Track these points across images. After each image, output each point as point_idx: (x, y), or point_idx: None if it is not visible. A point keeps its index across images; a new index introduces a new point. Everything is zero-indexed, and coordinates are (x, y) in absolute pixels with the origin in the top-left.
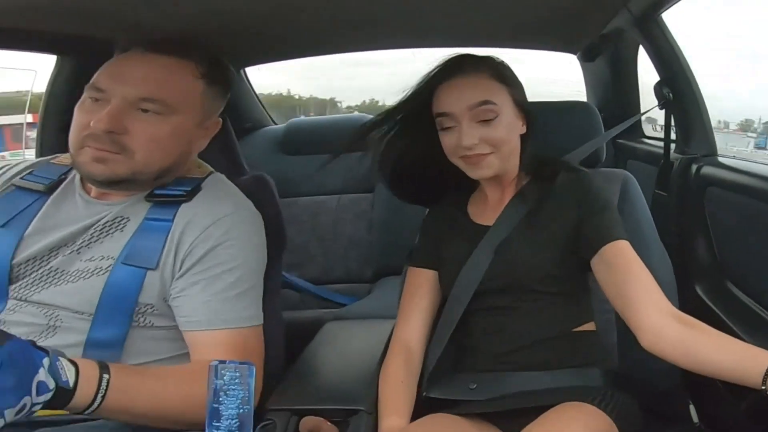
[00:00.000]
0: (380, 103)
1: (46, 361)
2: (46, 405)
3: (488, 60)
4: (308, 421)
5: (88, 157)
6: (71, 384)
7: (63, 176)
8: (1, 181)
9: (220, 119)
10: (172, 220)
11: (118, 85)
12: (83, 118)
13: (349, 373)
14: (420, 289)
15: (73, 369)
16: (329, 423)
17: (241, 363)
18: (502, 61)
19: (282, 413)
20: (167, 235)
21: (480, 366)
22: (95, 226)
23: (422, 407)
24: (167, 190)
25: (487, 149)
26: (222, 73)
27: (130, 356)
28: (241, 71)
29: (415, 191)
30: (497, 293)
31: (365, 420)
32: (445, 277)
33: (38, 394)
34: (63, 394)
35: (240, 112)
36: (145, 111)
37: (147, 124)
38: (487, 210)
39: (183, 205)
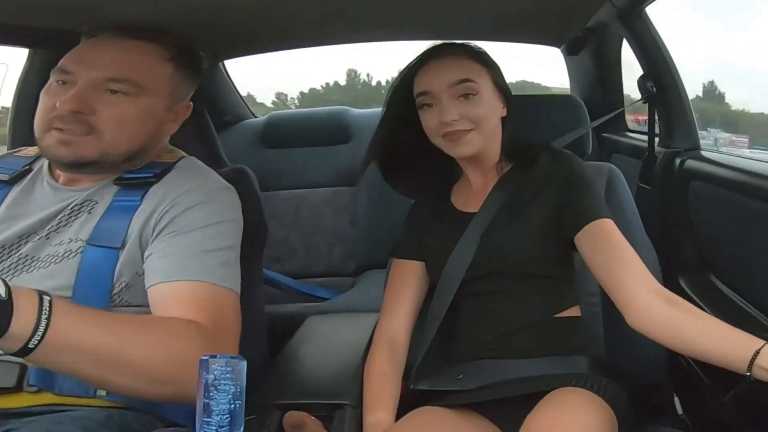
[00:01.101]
0: None
1: None
2: None
3: (467, 45)
4: (291, 415)
5: (53, 140)
6: (3, 294)
7: (28, 166)
8: None
9: (190, 104)
10: (140, 200)
11: (85, 67)
12: (49, 101)
13: (333, 367)
14: (405, 280)
15: (1, 283)
16: (313, 418)
17: (232, 357)
18: (481, 48)
19: (265, 408)
20: (133, 214)
21: (467, 354)
22: (63, 212)
23: (409, 399)
24: (136, 173)
25: (468, 125)
26: (191, 58)
27: None
28: (220, 64)
29: (406, 180)
30: (482, 279)
31: (349, 414)
32: (432, 266)
33: None
34: None
35: (219, 105)
36: (114, 92)
37: (115, 104)
38: (471, 197)
39: (153, 187)
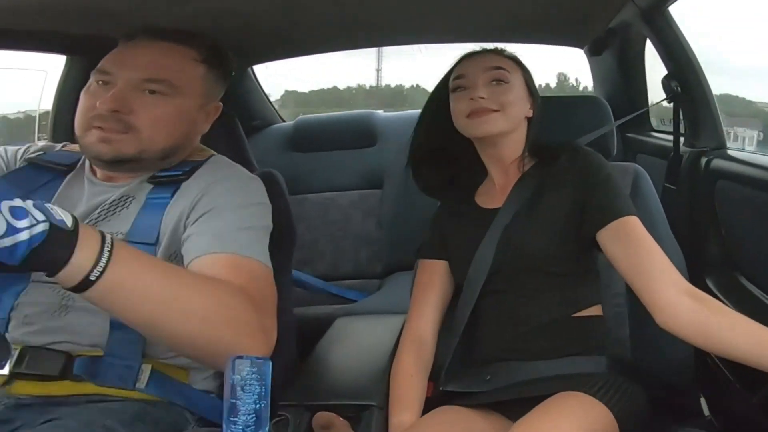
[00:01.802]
0: None
1: (29, 202)
2: (45, 252)
3: (502, 48)
4: (321, 416)
5: (94, 138)
6: (70, 224)
7: (75, 162)
8: (17, 158)
9: (220, 104)
10: (171, 196)
11: (123, 68)
12: (89, 100)
13: (361, 369)
14: (431, 281)
15: (69, 215)
16: (341, 419)
17: (257, 358)
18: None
19: (294, 409)
20: (164, 211)
21: (488, 354)
22: (102, 206)
23: (436, 399)
24: (168, 172)
25: (495, 105)
26: (221, 59)
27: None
28: (249, 69)
29: (431, 180)
30: (501, 276)
31: (376, 415)
32: (456, 265)
33: (16, 216)
34: (61, 237)
35: (248, 110)
36: (152, 92)
37: (152, 104)
38: (495, 195)
39: (183, 183)
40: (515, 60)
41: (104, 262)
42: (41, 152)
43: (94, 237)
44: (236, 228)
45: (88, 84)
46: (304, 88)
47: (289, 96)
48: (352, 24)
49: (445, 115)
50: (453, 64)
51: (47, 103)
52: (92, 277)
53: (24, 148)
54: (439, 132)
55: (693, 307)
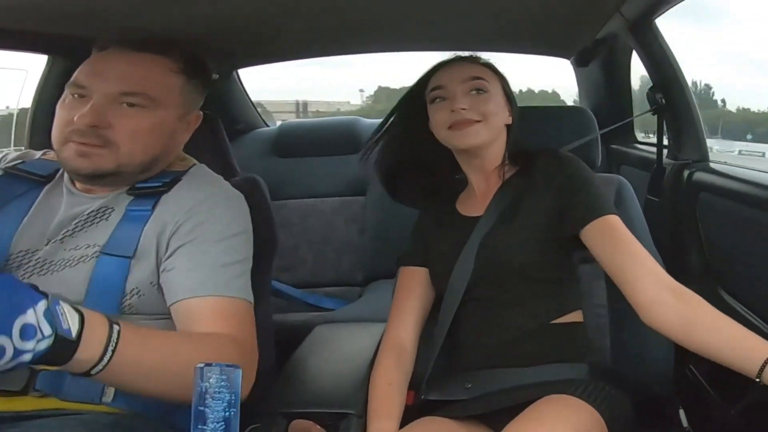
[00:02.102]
0: None
1: (41, 304)
2: (45, 358)
3: (479, 56)
4: (297, 424)
5: (72, 152)
6: (74, 333)
7: (54, 171)
8: None
9: (201, 113)
10: (152, 210)
11: (99, 81)
12: (66, 114)
13: (339, 377)
14: (412, 288)
15: (77, 317)
16: (318, 426)
17: (227, 366)
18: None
19: (271, 416)
20: (145, 224)
21: (470, 362)
22: (80, 217)
23: (416, 408)
24: (148, 183)
25: (477, 116)
26: (200, 68)
27: None
28: (234, 73)
29: (409, 191)
30: (481, 284)
31: (355, 423)
32: (438, 273)
33: (24, 338)
34: (64, 346)
35: (232, 113)
36: (131, 105)
37: (130, 117)
38: (476, 203)
39: (163, 196)
40: (491, 68)
41: (106, 359)
42: (19, 161)
43: (101, 333)
44: (219, 264)
45: (63, 97)
46: (397, 84)
47: (382, 92)
48: (339, 30)
49: (419, 124)
50: (427, 72)
51: (27, 104)
52: (93, 372)
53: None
54: (414, 142)
55: (675, 305)
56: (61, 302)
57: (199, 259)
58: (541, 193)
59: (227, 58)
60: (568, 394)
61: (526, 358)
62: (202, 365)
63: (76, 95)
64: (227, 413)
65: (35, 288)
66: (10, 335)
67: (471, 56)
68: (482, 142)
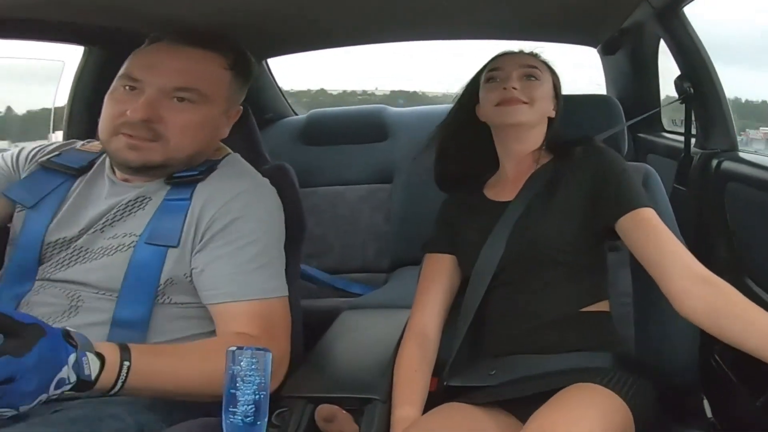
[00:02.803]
0: None
1: (72, 357)
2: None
3: (538, 53)
4: (323, 409)
5: (122, 144)
6: (93, 377)
7: (93, 161)
8: (27, 160)
9: (242, 107)
10: (190, 199)
11: (153, 75)
12: (117, 106)
13: (365, 362)
14: (437, 275)
15: (98, 363)
16: (344, 411)
17: (257, 349)
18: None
19: (298, 401)
20: (186, 213)
21: (496, 348)
22: (118, 206)
23: (440, 394)
24: (184, 172)
25: (525, 98)
26: (247, 65)
27: (154, 335)
28: (263, 62)
29: (450, 173)
30: (511, 268)
31: (379, 409)
32: (464, 258)
33: (56, 388)
34: (83, 386)
35: (262, 103)
36: (181, 100)
37: (181, 112)
38: (505, 188)
39: (199, 184)
40: (547, 64)
41: (118, 388)
42: (55, 153)
43: (113, 369)
44: (256, 266)
45: (112, 88)
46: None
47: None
48: (368, 18)
49: (469, 108)
50: (488, 61)
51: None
52: (111, 393)
53: (37, 149)
54: (461, 123)
55: (706, 295)
56: (86, 352)
57: (235, 262)
58: (576, 181)
59: (257, 47)
60: (595, 383)
61: (553, 345)
62: (234, 348)
63: (127, 87)
64: (257, 396)
65: (66, 334)
66: (48, 392)
67: (531, 51)
68: (526, 121)
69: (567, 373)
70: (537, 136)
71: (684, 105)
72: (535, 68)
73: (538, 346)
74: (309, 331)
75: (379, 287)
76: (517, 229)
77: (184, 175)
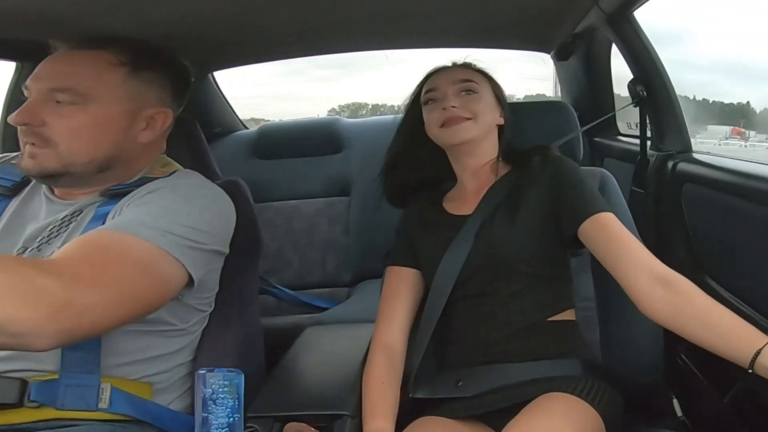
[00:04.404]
0: None
1: None
2: None
3: (470, 62)
4: (291, 427)
5: (25, 153)
6: None
7: (26, 177)
8: None
9: (168, 111)
10: (116, 204)
11: (34, 81)
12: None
13: (331, 378)
14: (399, 288)
15: None
16: (313, 429)
17: (228, 371)
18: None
19: (264, 420)
20: (105, 218)
21: (463, 358)
22: (53, 224)
23: (408, 407)
24: (123, 186)
25: (467, 114)
26: (150, 59)
27: (109, 355)
28: (210, 75)
29: (402, 189)
30: (475, 279)
31: (349, 424)
32: (425, 271)
33: None
34: None
35: (209, 116)
36: (60, 102)
37: (63, 115)
38: (466, 202)
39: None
40: (483, 73)
41: None
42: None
43: None
44: (152, 214)
45: None
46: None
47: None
48: (313, 30)
49: (417, 125)
50: (423, 79)
51: None
52: None
53: None
54: (412, 141)
55: (668, 295)
56: None
57: (134, 210)
58: (536, 190)
59: (201, 60)
60: (566, 393)
61: (520, 354)
62: (203, 371)
63: (24, 99)
64: (231, 419)
65: None
66: None
67: (464, 63)
68: (472, 137)
69: (537, 383)
70: (489, 147)
71: (638, 108)
72: (470, 81)
73: (506, 355)
74: (271, 348)
75: (342, 302)
76: (480, 240)
77: (119, 188)
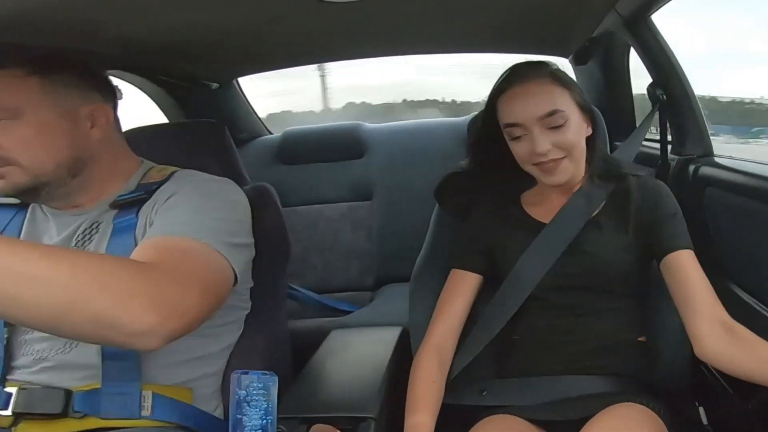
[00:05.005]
0: None
1: None
2: None
3: (546, 66)
4: (317, 429)
5: None
6: None
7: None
8: None
9: (104, 105)
10: (136, 217)
11: None
12: None
13: (357, 381)
14: (460, 292)
15: None
16: (338, 431)
17: (263, 374)
18: (557, 67)
19: (291, 421)
20: (134, 231)
21: (534, 367)
22: (76, 235)
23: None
24: (128, 195)
25: (560, 153)
26: (55, 62)
27: (148, 361)
28: (234, 82)
29: (461, 197)
30: (573, 292)
31: (373, 427)
32: (497, 271)
33: None
34: None
35: (234, 122)
36: None
37: (5, 132)
38: (550, 207)
39: (145, 203)
40: (562, 83)
41: None
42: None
43: None
44: (184, 213)
45: None
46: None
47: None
48: (333, 37)
49: (492, 137)
50: (496, 91)
51: None
52: None
53: None
54: (488, 153)
55: (725, 340)
56: None
57: (166, 216)
58: (631, 211)
59: (226, 67)
60: (639, 403)
61: (596, 370)
62: (238, 373)
63: None
64: (264, 421)
65: None
66: None
67: (535, 69)
68: (571, 175)
69: (604, 396)
70: (582, 168)
71: (658, 112)
72: (556, 112)
73: (580, 368)
74: (297, 351)
75: (365, 305)
76: (575, 255)
77: (126, 198)
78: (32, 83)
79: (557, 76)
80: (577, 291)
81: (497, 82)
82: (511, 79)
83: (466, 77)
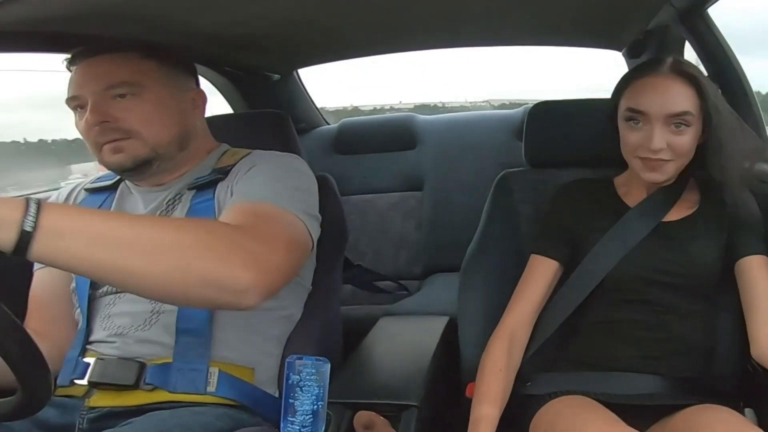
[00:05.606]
0: None
1: None
2: None
3: (684, 63)
4: (362, 415)
5: (108, 153)
6: None
7: (117, 180)
8: (73, 193)
9: (201, 90)
10: (213, 196)
11: (83, 87)
12: (80, 126)
13: (402, 369)
14: (539, 279)
15: None
16: (382, 417)
17: (317, 359)
18: (700, 71)
19: (337, 406)
20: (213, 208)
21: (607, 364)
22: (160, 208)
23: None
24: (204, 178)
25: (670, 156)
26: (164, 51)
27: (217, 339)
28: (294, 73)
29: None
30: (660, 287)
31: (416, 415)
32: (578, 258)
33: None
34: None
35: (294, 112)
36: (122, 96)
37: (129, 107)
38: (637, 195)
39: (220, 183)
40: (696, 84)
41: (34, 210)
42: (96, 177)
43: (16, 200)
44: (265, 182)
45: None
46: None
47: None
48: (393, 28)
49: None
50: (627, 77)
51: None
52: (27, 228)
53: (75, 184)
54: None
55: None
56: None
57: (245, 186)
58: (721, 214)
59: (286, 59)
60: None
61: (670, 371)
62: (293, 358)
63: (77, 108)
64: (315, 406)
65: None
66: None
67: (674, 64)
68: (668, 178)
69: (670, 397)
70: (680, 169)
71: None
72: (686, 114)
73: (650, 368)
74: (346, 337)
75: (413, 294)
76: (673, 249)
77: (200, 180)
78: (150, 64)
79: (696, 81)
80: (663, 287)
81: (640, 65)
82: (650, 66)
83: None
